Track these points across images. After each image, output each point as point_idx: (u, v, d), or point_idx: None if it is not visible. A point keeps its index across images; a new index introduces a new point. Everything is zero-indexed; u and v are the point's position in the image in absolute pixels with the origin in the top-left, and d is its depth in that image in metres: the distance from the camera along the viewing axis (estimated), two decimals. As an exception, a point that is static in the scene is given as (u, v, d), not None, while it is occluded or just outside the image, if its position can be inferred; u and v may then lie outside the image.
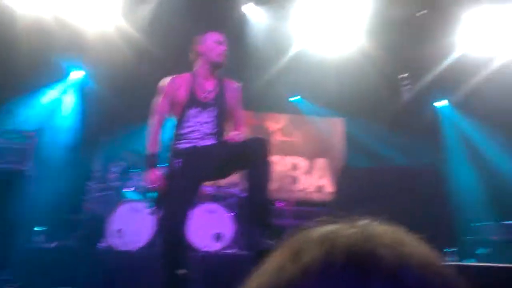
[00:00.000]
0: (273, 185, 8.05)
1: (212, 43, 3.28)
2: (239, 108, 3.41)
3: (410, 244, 0.45)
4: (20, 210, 4.96)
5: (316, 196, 8.10)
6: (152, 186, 3.14)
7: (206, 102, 3.23)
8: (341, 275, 0.40)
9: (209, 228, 5.24)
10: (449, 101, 8.20)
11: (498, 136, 7.17)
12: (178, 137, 3.23)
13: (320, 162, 8.43)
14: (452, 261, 4.66)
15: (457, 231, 6.18)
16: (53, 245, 5.15)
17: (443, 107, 8.32)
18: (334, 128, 8.65)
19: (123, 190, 5.67)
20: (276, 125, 8.57)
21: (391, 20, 6.81)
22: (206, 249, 5.07)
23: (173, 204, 3.13)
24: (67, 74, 7.69)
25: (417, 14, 7.01)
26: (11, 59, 6.33)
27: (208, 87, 3.27)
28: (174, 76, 3.29)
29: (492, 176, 7.12)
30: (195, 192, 3.34)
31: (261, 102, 7.95)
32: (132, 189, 5.62)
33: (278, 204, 6.56)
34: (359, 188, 6.26)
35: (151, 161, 3.16)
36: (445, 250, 4.98)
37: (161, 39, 6.93)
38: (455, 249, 5.21)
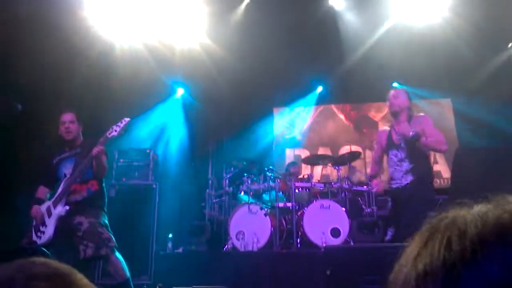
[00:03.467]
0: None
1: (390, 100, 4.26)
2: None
3: None
4: (149, 221, 5.40)
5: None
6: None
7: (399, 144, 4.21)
8: (495, 250, 0.43)
9: (325, 224, 5.25)
10: None
11: None
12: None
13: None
14: None
15: None
16: (180, 250, 5.53)
17: None
18: (442, 110, 8.18)
19: (240, 194, 5.90)
20: (380, 114, 8.33)
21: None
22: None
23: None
24: (173, 92, 8.18)
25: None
26: (111, 84, 6.84)
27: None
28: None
29: None
30: None
31: (360, 92, 7.80)
32: (251, 193, 5.80)
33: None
34: (478, 170, 5.84)
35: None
36: None
37: (246, 52, 7.09)
38: None
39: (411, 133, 4.03)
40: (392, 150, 4.25)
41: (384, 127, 4.67)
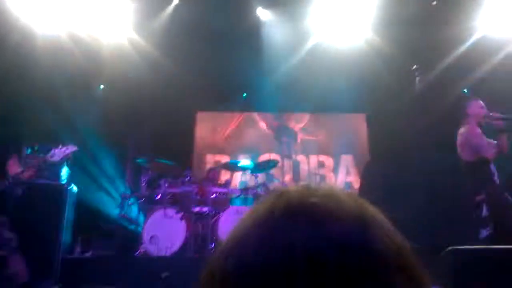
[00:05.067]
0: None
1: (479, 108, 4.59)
2: None
3: (345, 200, 0.50)
4: (57, 223, 5.15)
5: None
6: None
7: None
8: (278, 221, 0.47)
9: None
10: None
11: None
12: None
13: (346, 159, 8.44)
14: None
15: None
16: (88, 254, 5.33)
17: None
18: (357, 123, 8.65)
19: (157, 198, 5.82)
20: (299, 125, 8.63)
21: (402, 12, 6.80)
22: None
23: None
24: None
25: (433, 3, 6.97)
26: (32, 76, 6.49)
27: None
28: None
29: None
30: None
31: (281, 102, 8.03)
32: (167, 197, 5.71)
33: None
34: (384, 183, 6.23)
35: None
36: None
37: (174, 51, 7.08)
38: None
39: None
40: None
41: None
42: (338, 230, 0.46)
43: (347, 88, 7.58)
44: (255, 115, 8.69)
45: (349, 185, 8.30)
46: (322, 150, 8.46)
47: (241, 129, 8.59)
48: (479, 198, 4.29)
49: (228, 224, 5.34)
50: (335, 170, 8.38)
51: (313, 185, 0.54)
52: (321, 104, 8.14)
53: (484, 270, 2.62)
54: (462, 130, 4.62)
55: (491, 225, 4.29)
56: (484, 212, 4.29)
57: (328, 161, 8.42)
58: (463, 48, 7.16)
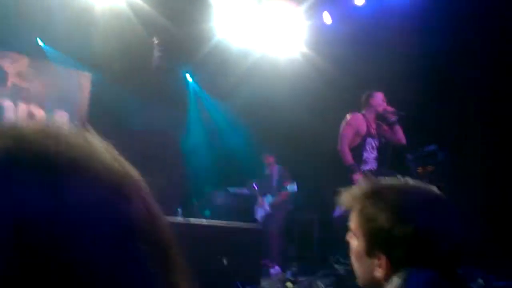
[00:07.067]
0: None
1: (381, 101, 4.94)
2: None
3: (102, 156, 0.39)
4: None
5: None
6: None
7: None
8: None
9: None
10: (192, 77, 8.87)
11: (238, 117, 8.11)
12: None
13: (61, 115, 7.90)
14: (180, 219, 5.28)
15: (188, 194, 6.86)
16: None
17: (191, 82, 8.96)
18: (80, 82, 8.23)
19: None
20: (13, 67, 7.59)
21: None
22: None
23: None
24: None
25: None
26: None
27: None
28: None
29: (222, 149, 8.07)
30: None
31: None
32: None
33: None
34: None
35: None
36: (176, 209, 5.58)
37: None
38: (182, 209, 5.87)
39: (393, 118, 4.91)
40: (369, 138, 4.85)
41: (356, 113, 4.96)
42: (81, 197, 0.35)
43: (79, 43, 7.14)
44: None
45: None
46: (35, 100, 7.68)
47: None
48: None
49: None
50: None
51: (55, 125, 0.40)
52: (45, 51, 7.41)
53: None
54: (346, 119, 4.93)
55: None
56: None
57: (40, 113, 7.71)
58: (208, 45, 7.49)
